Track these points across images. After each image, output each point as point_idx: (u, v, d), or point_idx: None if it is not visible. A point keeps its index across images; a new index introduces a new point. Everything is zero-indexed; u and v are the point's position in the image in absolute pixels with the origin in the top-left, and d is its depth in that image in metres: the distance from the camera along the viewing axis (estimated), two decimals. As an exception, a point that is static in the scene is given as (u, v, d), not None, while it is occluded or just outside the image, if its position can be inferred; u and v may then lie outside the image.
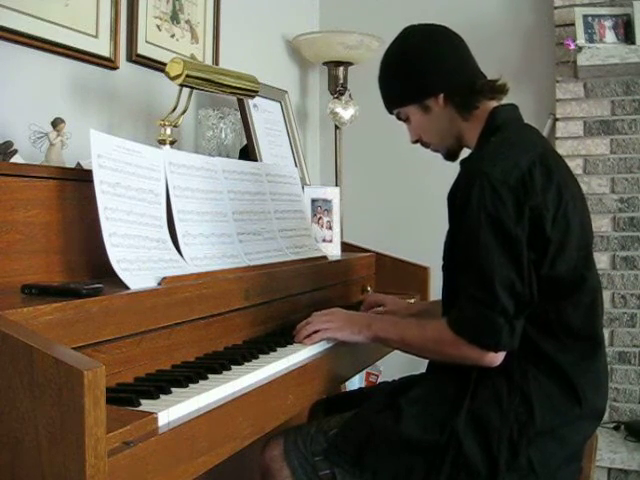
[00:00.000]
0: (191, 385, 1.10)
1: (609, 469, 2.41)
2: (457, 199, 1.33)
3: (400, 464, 1.32)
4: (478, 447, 1.27)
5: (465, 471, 1.27)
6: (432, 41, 1.49)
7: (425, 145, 1.56)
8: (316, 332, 1.46)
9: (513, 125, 1.45)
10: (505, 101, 1.51)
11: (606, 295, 2.60)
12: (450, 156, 1.55)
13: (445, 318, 1.33)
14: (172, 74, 1.61)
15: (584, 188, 2.59)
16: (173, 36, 2.12)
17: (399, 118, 1.56)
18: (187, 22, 2.18)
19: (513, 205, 1.26)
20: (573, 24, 2.52)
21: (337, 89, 2.74)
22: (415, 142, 1.57)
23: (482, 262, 1.27)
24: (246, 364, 1.27)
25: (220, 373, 1.19)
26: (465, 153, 1.48)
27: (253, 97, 1.96)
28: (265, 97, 2.35)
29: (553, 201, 1.29)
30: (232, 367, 1.23)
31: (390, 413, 1.37)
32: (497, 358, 1.28)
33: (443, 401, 1.34)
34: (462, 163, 1.41)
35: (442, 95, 1.46)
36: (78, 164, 1.51)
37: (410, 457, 1.31)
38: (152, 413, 0.94)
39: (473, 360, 1.30)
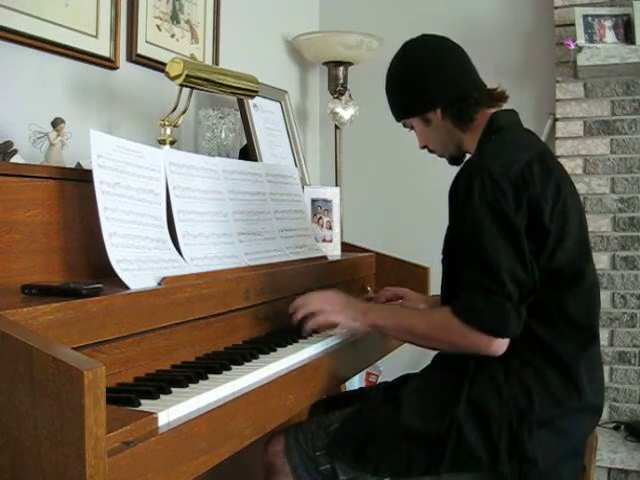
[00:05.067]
0: (191, 385, 1.10)
1: (609, 469, 2.41)
2: (458, 193, 1.35)
3: (402, 454, 1.33)
4: (479, 435, 1.28)
5: (467, 458, 1.28)
6: (432, 56, 1.54)
7: (431, 151, 1.63)
8: (313, 314, 1.47)
9: (512, 128, 1.49)
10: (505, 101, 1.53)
11: (606, 295, 2.60)
12: (454, 161, 1.60)
13: (450, 307, 1.33)
14: (172, 74, 1.62)
15: (584, 188, 2.64)
16: (173, 36, 2.12)
17: (405, 126, 1.63)
18: (187, 22, 2.18)
19: (513, 196, 1.29)
20: (573, 24, 2.52)
21: (337, 89, 2.73)
22: (423, 148, 1.63)
23: (487, 251, 1.29)
24: (246, 364, 1.27)
25: (220, 373, 1.19)
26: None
27: (253, 97, 1.96)
28: (265, 97, 2.35)
29: (552, 194, 1.33)
30: (232, 367, 1.23)
31: (390, 405, 1.38)
32: (503, 345, 1.30)
33: (442, 390, 1.36)
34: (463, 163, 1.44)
35: (439, 109, 1.51)
36: (78, 164, 1.51)
37: (411, 447, 1.32)
38: (152, 413, 0.94)
39: (481, 347, 1.30)
